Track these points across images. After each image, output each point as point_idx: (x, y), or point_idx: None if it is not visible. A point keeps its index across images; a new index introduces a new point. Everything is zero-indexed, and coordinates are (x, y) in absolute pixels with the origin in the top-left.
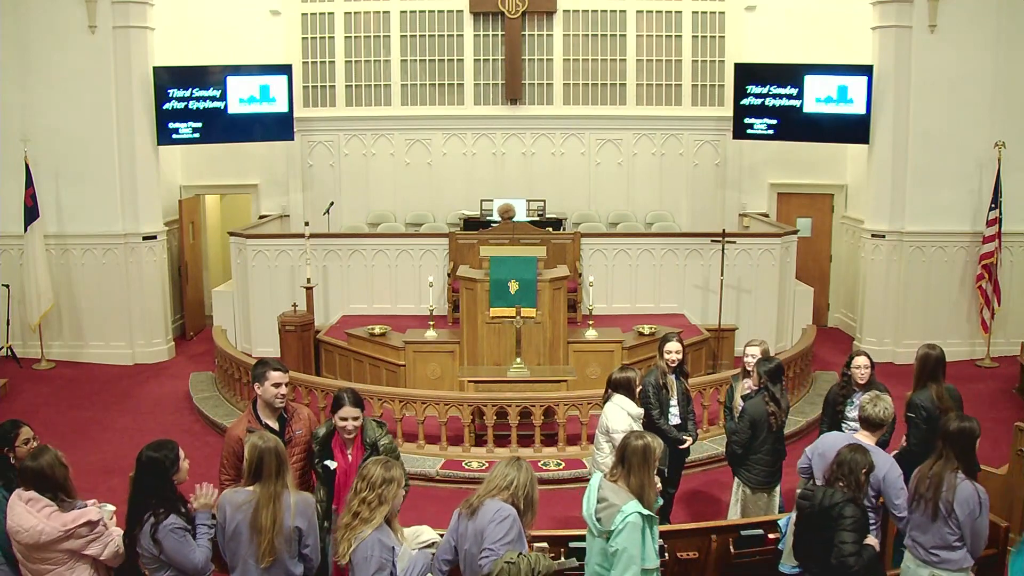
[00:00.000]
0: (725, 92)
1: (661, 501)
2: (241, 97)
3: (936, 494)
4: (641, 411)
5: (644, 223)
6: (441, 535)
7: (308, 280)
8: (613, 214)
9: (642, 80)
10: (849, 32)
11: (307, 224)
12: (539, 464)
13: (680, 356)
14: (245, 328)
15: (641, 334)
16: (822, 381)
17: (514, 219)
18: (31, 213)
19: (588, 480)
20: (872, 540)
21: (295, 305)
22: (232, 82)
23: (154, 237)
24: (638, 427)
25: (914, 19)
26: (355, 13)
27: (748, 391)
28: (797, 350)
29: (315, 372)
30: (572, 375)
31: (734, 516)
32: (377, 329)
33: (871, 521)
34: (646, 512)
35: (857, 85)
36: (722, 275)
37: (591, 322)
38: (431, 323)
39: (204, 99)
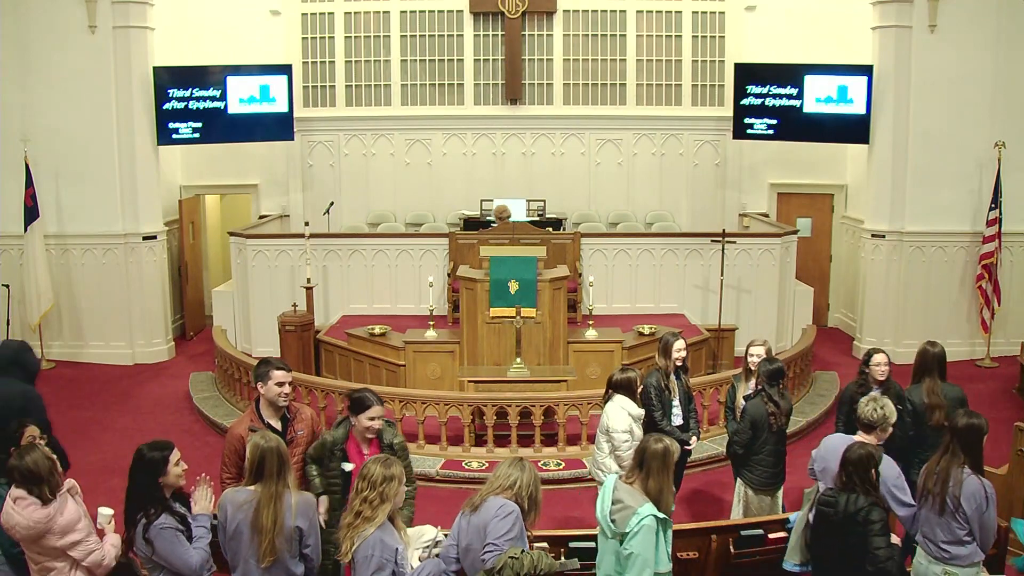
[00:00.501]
0: (725, 92)
1: (674, 507)
2: (241, 97)
3: (943, 489)
4: (642, 412)
5: (644, 223)
6: (445, 535)
7: (308, 280)
8: (613, 214)
9: (642, 80)
10: (849, 32)
11: (307, 224)
12: (539, 464)
13: (685, 354)
14: (245, 328)
15: (641, 334)
16: (822, 381)
17: (511, 219)
18: (31, 213)
19: (588, 480)
20: (896, 539)
21: (295, 305)
22: (232, 82)
23: (154, 237)
24: (639, 428)
25: (914, 19)
26: (355, 13)
27: (751, 391)
28: (797, 350)
29: (315, 372)
30: (572, 375)
31: (737, 517)
32: (377, 329)
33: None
34: (661, 515)
35: (857, 85)
36: (722, 275)
37: (591, 322)
38: (431, 323)
39: (204, 99)
